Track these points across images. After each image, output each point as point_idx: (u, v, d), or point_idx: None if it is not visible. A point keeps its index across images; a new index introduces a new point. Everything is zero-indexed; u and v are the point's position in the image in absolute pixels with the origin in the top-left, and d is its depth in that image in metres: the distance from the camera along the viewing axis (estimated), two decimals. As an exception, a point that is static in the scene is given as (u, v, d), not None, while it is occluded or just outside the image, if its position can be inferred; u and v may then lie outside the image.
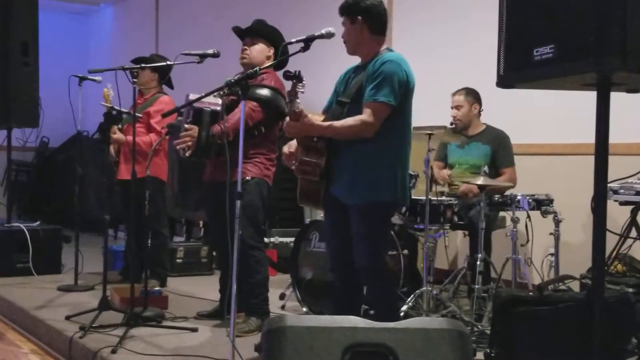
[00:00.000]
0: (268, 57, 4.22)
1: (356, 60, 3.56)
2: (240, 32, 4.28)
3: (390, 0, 6.38)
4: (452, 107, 5.07)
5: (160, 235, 5.41)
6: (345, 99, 3.43)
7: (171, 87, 5.43)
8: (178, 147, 4.03)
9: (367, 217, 3.37)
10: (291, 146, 3.50)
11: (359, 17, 3.40)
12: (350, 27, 3.44)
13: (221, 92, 3.82)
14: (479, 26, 5.48)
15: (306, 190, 3.47)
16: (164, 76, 5.33)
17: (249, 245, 4.06)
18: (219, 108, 4.00)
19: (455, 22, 5.90)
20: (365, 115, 3.28)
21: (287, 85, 3.35)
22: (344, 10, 3.46)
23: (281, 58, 3.47)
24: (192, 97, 3.91)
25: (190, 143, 3.98)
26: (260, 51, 4.21)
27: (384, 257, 3.57)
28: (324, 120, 3.40)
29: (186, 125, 4.01)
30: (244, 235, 3.91)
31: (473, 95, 5.04)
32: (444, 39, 6.00)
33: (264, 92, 4.10)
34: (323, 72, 4.64)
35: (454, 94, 5.08)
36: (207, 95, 3.89)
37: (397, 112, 3.32)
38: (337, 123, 3.33)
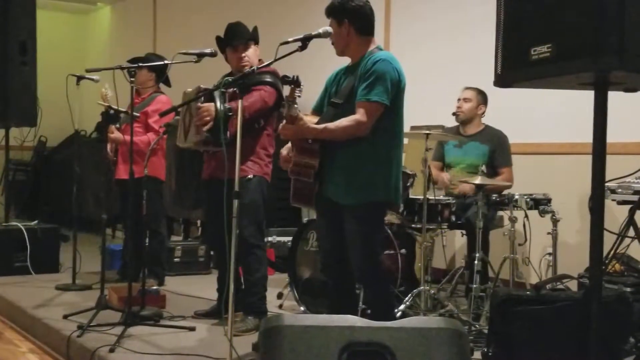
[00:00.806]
0: (256, 54, 4.30)
1: (348, 59, 3.56)
2: (239, 42, 4.26)
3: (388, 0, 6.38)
4: (459, 99, 5.07)
5: (158, 235, 5.41)
6: (338, 100, 3.42)
7: (169, 85, 5.42)
8: (197, 123, 3.98)
9: (362, 217, 3.36)
10: (289, 150, 3.50)
11: (345, 20, 3.40)
12: (337, 30, 3.43)
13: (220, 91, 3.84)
14: (479, 24, 5.48)
15: (299, 191, 3.47)
16: (161, 75, 5.33)
17: (250, 244, 4.07)
18: (225, 89, 3.99)
19: (455, 21, 5.90)
20: (359, 115, 3.28)
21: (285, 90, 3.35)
22: (330, 12, 3.46)
23: (278, 58, 3.46)
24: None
25: (208, 118, 3.96)
26: (255, 54, 4.28)
27: (379, 256, 3.57)
28: (317, 122, 3.40)
29: (200, 104, 3.97)
30: (244, 234, 3.92)
31: (483, 97, 5.05)
32: (442, 39, 5.99)
33: (267, 77, 4.14)
34: (318, 71, 4.63)
35: (466, 88, 5.08)
36: (205, 94, 3.89)
37: (389, 111, 3.32)
38: (332, 125, 3.32)
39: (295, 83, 3.19)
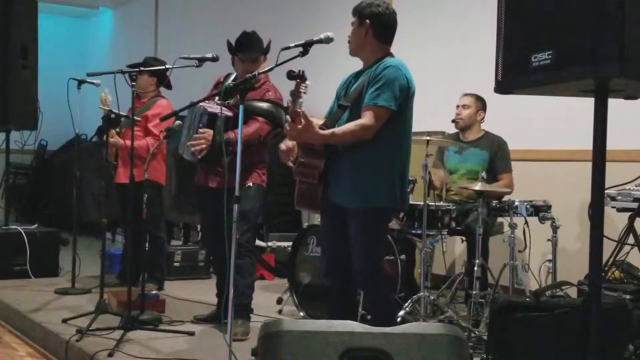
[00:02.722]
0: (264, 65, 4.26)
1: (358, 66, 3.57)
2: (248, 55, 4.24)
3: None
4: (458, 105, 5.08)
5: (157, 239, 5.40)
6: (346, 103, 3.44)
7: (169, 88, 5.42)
8: (192, 148, 4.01)
9: (366, 222, 3.37)
10: (287, 142, 3.50)
11: (367, 21, 3.42)
12: (356, 29, 3.46)
13: (218, 99, 3.85)
14: (479, 30, 5.48)
15: (304, 193, 3.47)
16: (162, 79, 5.34)
17: (247, 249, 4.11)
18: (231, 114, 4.01)
19: (455, 27, 5.91)
20: (365, 119, 3.29)
21: (289, 84, 3.34)
22: (355, 11, 3.49)
23: (280, 63, 3.47)
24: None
25: (204, 145, 3.98)
26: (261, 68, 4.21)
27: (381, 262, 3.57)
28: (324, 124, 3.40)
29: (201, 130, 4.00)
30: (242, 240, 3.94)
31: (482, 103, 5.06)
32: (442, 45, 6.00)
33: (265, 105, 4.13)
34: (327, 76, 4.65)
35: (464, 94, 5.09)
36: (205, 99, 3.90)
37: (397, 117, 3.33)
38: (338, 131, 3.33)
39: (300, 78, 3.18)
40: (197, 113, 4.06)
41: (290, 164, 3.49)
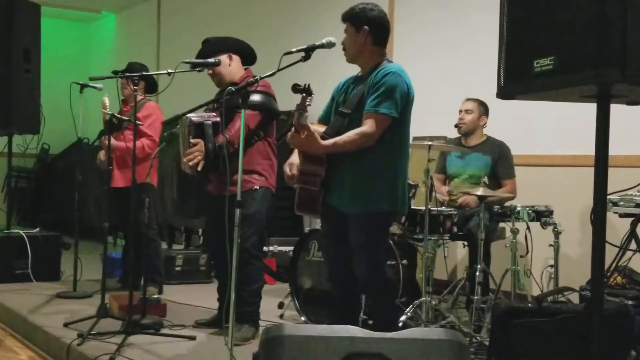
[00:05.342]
0: (231, 65, 4.24)
1: (355, 69, 3.57)
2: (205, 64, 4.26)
3: (391, 10, 6.40)
4: (461, 110, 5.08)
5: (152, 242, 5.38)
6: (346, 110, 3.43)
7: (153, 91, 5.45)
8: (190, 163, 3.99)
9: (367, 226, 3.37)
10: (292, 166, 3.48)
11: (365, 27, 3.39)
12: (353, 35, 3.44)
13: (215, 105, 3.85)
14: (482, 35, 5.49)
15: (305, 199, 3.47)
16: (150, 84, 5.36)
17: (251, 254, 4.06)
18: (218, 119, 3.99)
19: (458, 32, 5.91)
20: (367, 127, 3.29)
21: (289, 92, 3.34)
22: (348, 18, 3.45)
23: (281, 68, 3.46)
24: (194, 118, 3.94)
25: (200, 158, 3.98)
26: (225, 66, 4.23)
27: (383, 266, 3.57)
28: (325, 131, 3.40)
29: (192, 140, 3.99)
30: (246, 244, 3.91)
31: (484, 107, 5.06)
32: (444, 49, 6.01)
33: (256, 97, 4.10)
34: (323, 80, 4.64)
35: (467, 99, 5.08)
36: (206, 104, 3.91)
37: (397, 123, 3.34)
38: (340, 140, 3.32)
39: (306, 91, 3.18)
40: (184, 126, 4.06)
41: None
